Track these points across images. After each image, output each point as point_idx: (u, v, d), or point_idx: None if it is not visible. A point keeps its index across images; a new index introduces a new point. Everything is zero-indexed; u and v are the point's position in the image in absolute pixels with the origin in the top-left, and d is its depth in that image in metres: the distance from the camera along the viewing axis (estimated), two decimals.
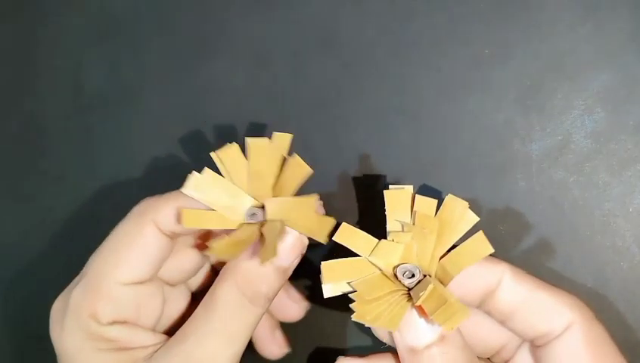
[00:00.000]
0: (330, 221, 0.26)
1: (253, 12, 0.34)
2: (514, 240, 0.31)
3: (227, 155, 0.26)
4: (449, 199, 0.25)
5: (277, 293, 0.26)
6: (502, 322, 0.26)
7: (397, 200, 0.25)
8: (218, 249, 0.24)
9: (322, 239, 0.25)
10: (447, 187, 0.31)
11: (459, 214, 0.25)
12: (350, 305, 0.24)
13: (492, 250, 0.24)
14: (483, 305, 0.26)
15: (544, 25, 0.30)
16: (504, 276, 0.25)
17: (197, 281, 0.30)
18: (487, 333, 0.27)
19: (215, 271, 0.30)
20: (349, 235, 0.25)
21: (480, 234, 0.24)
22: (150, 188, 0.34)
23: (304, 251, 0.26)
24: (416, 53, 0.32)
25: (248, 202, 0.26)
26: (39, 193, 0.36)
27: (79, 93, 0.36)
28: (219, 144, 0.34)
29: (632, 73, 0.30)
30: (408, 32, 0.32)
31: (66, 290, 0.26)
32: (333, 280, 0.24)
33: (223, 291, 0.25)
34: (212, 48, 0.34)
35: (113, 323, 0.25)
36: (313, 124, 0.33)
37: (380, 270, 0.25)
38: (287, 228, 0.25)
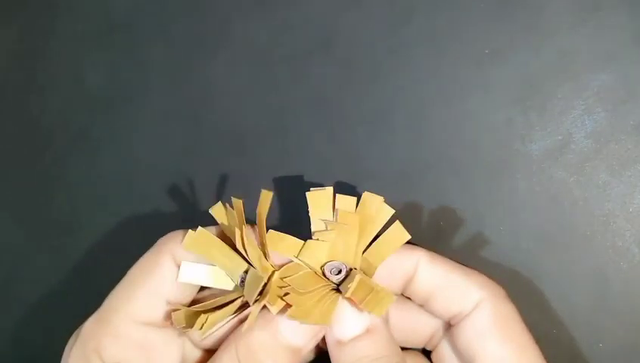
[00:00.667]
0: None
1: (253, 12, 0.34)
2: (513, 240, 0.31)
3: (218, 212, 0.26)
4: (366, 195, 0.26)
5: None
6: (423, 305, 0.26)
7: (319, 200, 0.25)
8: (177, 319, 0.23)
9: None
10: (447, 187, 0.31)
11: (376, 208, 0.26)
12: (285, 299, 0.23)
13: (408, 237, 0.25)
14: (405, 291, 0.26)
15: (544, 25, 0.30)
16: (420, 261, 0.26)
17: None
18: (416, 323, 0.27)
19: None
20: (276, 240, 0.25)
21: (397, 224, 0.25)
22: (150, 189, 0.35)
23: (321, 334, 0.24)
24: (416, 53, 0.32)
25: (242, 265, 0.24)
26: (39, 194, 0.36)
27: (79, 93, 0.36)
28: (219, 144, 0.34)
29: (633, 73, 0.30)
30: (408, 32, 0.32)
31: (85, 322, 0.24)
32: None
33: (222, 360, 0.23)
34: (212, 49, 0.34)
35: None
36: (313, 124, 0.33)
37: (310, 269, 0.25)
38: None
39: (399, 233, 0.25)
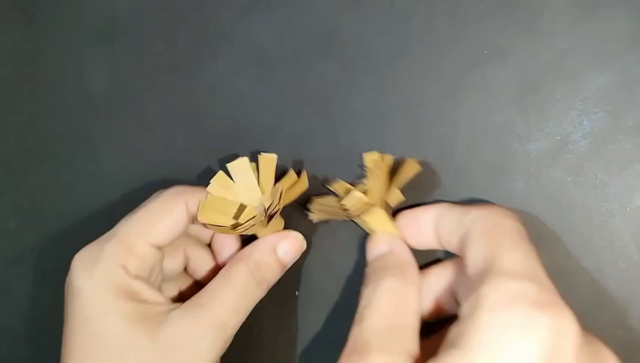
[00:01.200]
0: (304, 176, 0.32)
1: (254, 13, 0.34)
2: None
3: (237, 166, 0.31)
4: (408, 160, 0.31)
5: (274, 282, 0.31)
6: (459, 252, 0.28)
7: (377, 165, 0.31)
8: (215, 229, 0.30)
9: (305, 187, 0.32)
10: (446, 186, 0.31)
11: (409, 168, 0.31)
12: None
13: (419, 168, 0.31)
14: (442, 246, 0.29)
15: (543, 25, 0.31)
16: (441, 212, 0.28)
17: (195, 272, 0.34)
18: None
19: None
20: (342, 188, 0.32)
21: (410, 160, 0.31)
22: (150, 189, 0.35)
23: (299, 254, 0.32)
24: (415, 53, 0.32)
25: (256, 201, 0.31)
26: (39, 194, 0.36)
27: (79, 94, 0.36)
28: (219, 144, 0.34)
29: (631, 74, 0.30)
30: (408, 33, 0.32)
31: (91, 245, 0.29)
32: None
33: (238, 271, 0.30)
34: (212, 49, 0.34)
35: (138, 277, 0.28)
36: (313, 124, 0.33)
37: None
38: (290, 233, 0.31)
39: (411, 166, 0.31)
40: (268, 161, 0.31)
